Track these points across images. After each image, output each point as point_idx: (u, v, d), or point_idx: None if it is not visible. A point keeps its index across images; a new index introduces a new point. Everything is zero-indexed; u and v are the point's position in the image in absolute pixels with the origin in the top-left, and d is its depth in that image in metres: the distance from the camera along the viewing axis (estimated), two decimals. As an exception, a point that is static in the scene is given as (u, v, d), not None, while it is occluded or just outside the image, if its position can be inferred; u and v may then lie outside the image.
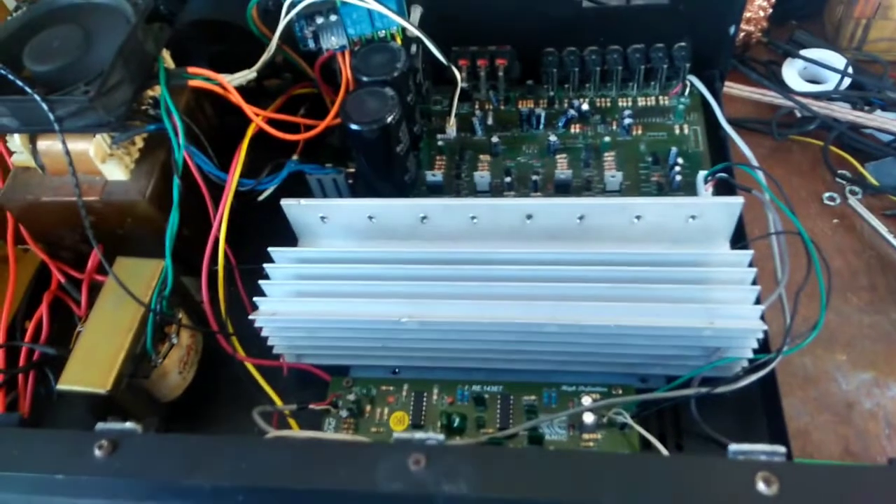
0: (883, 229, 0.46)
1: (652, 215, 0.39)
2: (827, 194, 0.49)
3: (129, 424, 0.27)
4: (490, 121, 0.50)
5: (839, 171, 0.50)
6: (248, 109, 0.42)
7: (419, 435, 0.25)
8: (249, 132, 0.42)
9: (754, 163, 0.43)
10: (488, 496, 0.23)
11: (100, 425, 0.27)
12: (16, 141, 0.40)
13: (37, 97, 0.36)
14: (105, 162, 0.39)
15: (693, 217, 0.39)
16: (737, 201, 0.38)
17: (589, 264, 0.38)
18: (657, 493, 0.23)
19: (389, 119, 0.41)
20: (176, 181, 0.39)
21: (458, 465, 0.23)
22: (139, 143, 0.41)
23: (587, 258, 0.38)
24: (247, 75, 0.44)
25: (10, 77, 0.36)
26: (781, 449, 0.23)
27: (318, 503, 0.24)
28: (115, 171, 0.39)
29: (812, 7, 0.59)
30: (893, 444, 0.40)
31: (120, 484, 0.25)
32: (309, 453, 0.24)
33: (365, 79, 0.43)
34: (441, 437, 0.25)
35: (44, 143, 0.40)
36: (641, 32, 0.48)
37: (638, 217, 0.39)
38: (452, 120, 0.49)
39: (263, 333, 0.41)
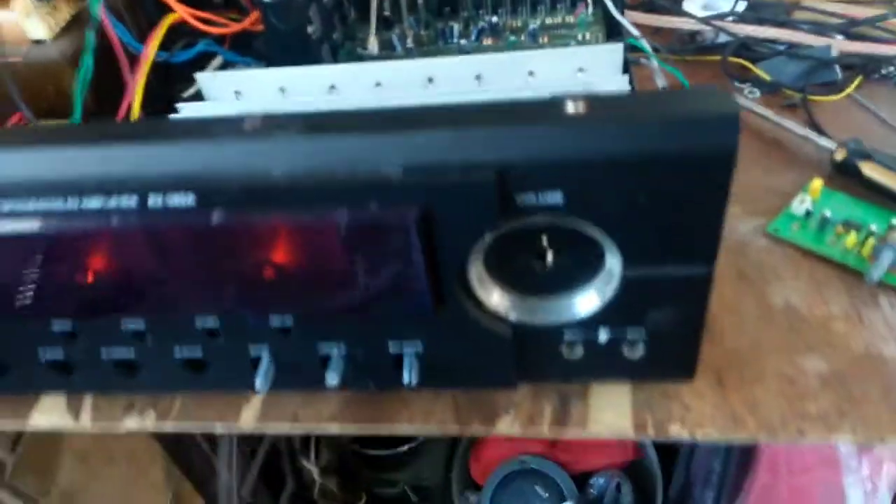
0: (772, 115, 0.48)
1: (544, 68, 0.41)
2: (726, 94, 0.52)
3: None
4: (409, 42, 0.54)
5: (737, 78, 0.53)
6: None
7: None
8: (168, 19, 0.45)
9: (647, 45, 0.46)
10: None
11: None
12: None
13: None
14: (29, 17, 0.41)
15: (581, 70, 0.41)
16: (618, 45, 0.41)
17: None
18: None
19: (302, -10, 0.44)
20: (89, 34, 0.41)
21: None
22: (66, 10, 0.44)
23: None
24: None
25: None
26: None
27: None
28: (38, 30, 0.42)
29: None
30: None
31: None
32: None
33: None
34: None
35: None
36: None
37: (531, 73, 0.42)
38: (373, 37, 0.53)
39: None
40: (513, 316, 0.32)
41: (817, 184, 0.43)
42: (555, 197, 0.26)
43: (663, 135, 0.24)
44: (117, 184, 0.27)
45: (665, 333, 0.32)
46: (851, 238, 0.40)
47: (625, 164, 0.24)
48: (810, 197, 0.42)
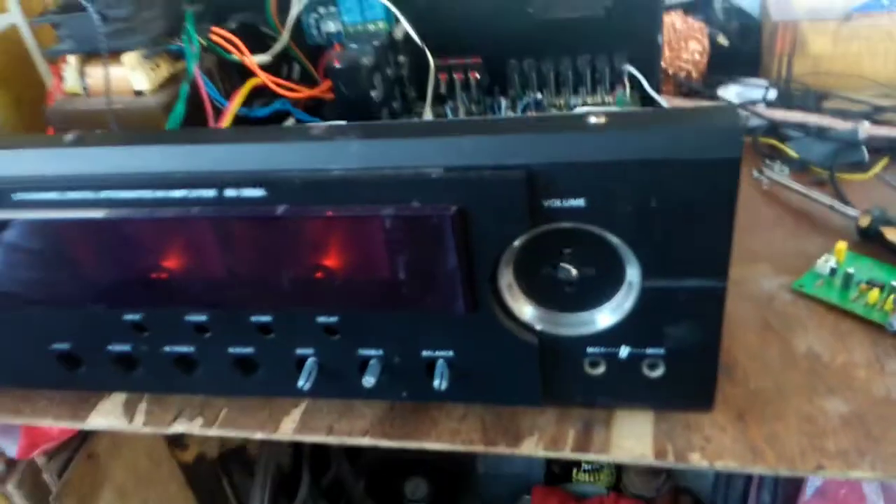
0: (800, 187, 0.51)
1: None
2: (756, 172, 0.55)
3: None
4: (461, 115, 0.59)
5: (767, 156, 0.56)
6: (251, 63, 0.52)
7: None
8: (251, 82, 0.52)
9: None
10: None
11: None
12: (70, 72, 0.50)
13: (92, 11, 0.47)
14: (135, 70, 0.48)
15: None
16: (649, 109, 0.45)
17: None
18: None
19: (365, 60, 0.50)
20: (184, 86, 0.48)
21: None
22: (166, 70, 0.50)
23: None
24: (261, 57, 0.55)
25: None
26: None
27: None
28: (141, 82, 0.48)
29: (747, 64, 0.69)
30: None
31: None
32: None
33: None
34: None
35: (91, 69, 0.50)
36: (587, 43, 0.58)
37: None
38: (428, 108, 0.58)
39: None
40: (539, 326, 0.34)
41: (842, 246, 0.44)
42: (578, 202, 0.29)
43: (674, 141, 0.27)
44: (198, 178, 0.32)
45: (683, 353, 0.33)
46: (874, 294, 0.41)
47: (639, 167, 0.28)
48: (835, 258, 0.44)
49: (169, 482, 0.73)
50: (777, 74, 0.64)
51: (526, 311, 0.34)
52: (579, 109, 0.41)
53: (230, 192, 0.32)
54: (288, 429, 0.41)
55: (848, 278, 0.43)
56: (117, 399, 0.44)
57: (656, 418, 0.37)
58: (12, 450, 0.60)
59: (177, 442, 0.72)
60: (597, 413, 0.38)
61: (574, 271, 0.32)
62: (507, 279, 0.33)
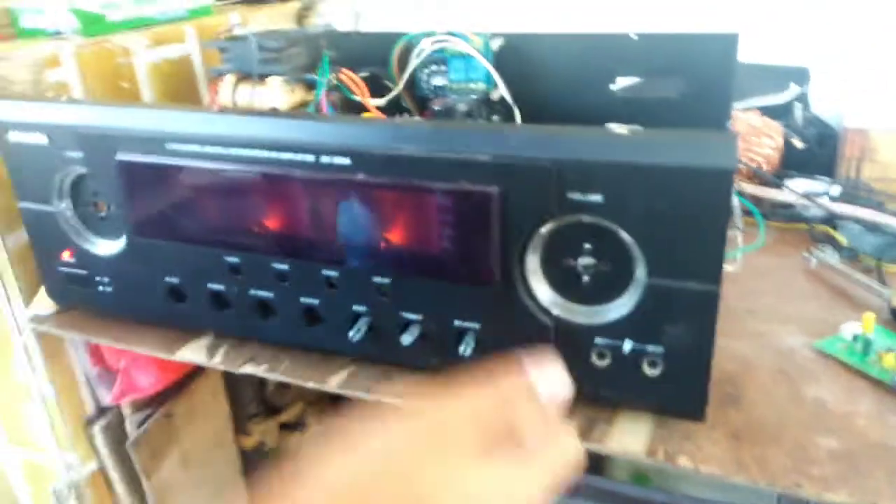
0: (843, 267, 0.54)
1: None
2: (805, 253, 0.58)
3: None
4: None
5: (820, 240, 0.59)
6: (368, 103, 0.62)
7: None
8: (365, 116, 0.62)
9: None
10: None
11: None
12: (226, 88, 0.62)
13: (253, 40, 0.59)
14: (276, 91, 0.59)
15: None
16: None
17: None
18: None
19: (461, 106, 0.59)
20: (311, 107, 0.58)
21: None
22: (300, 96, 0.61)
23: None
24: (378, 101, 0.65)
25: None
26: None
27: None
28: (279, 101, 0.59)
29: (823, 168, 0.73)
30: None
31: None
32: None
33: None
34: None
35: (241, 87, 0.61)
36: (661, 121, 0.64)
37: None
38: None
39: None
40: (555, 311, 0.39)
41: (870, 316, 0.47)
42: (596, 197, 0.35)
43: (680, 151, 0.33)
44: (302, 144, 0.40)
45: (679, 353, 0.37)
46: (890, 359, 0.44)
47: (649, 171, 0.34)
48: (861, 326, 0.47)
49: (226, 465, 0.79)
50: (846, 176, 0.67)
51: (546, 295, 0.40)
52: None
53: (325, 159, 0.40)
54: (334, 383, 0.47)
55: (868, 344, 0.45)
56: (203, 342, 0.52)
57: (656, 425, 0.41)
58: (106, 396, 0.69)
59: (242, 427, 0.79)
60: (601, 413, 0.42)
61: (591, 263, 0.38)
62: (533, 264, 0.39)
